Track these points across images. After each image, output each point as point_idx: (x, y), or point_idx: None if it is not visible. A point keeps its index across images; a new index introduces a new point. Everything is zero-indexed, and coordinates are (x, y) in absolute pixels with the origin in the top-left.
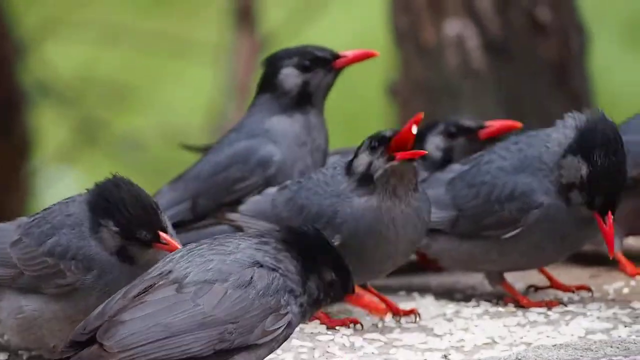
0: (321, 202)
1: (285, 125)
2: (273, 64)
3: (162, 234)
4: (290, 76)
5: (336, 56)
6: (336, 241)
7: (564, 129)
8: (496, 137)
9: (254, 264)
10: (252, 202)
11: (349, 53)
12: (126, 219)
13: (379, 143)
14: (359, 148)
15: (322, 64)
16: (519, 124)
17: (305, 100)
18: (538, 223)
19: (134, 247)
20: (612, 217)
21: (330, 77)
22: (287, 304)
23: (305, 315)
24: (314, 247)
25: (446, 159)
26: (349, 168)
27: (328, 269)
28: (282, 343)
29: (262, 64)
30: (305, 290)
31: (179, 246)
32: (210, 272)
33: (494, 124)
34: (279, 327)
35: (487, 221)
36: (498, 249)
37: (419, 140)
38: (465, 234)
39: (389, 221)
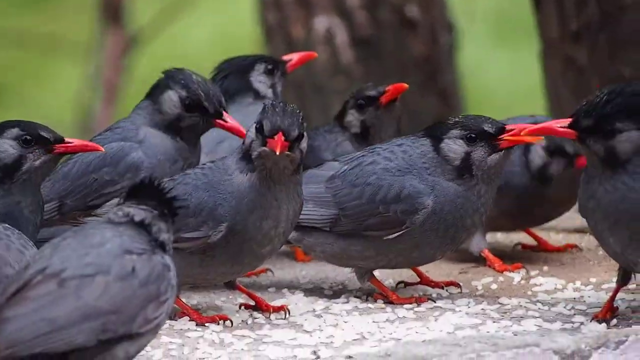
0: (200, 196)
1: (157, 139)
2: (164, 81)
3: None
4: (170, 101)
5: (218, 113)
6: (221, 232)
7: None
8: (395, 101)
9: (128, 252)
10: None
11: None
12: None
13: (258, 126)
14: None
15: (201, 110)
16: (404, 85)
17: (176, 130)
18: (422, 225)
19: None
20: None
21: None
22: (167, 291)
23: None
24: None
25: (365, 131)
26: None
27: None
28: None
29: (164, 72)
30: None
31: None
32: (90, 266)
33: (389, 89)
34: (160, 314)
35: (370, 221)
36: (375, 248)
37: (342, 113)
38: (344, 232)
39: (272, 198)
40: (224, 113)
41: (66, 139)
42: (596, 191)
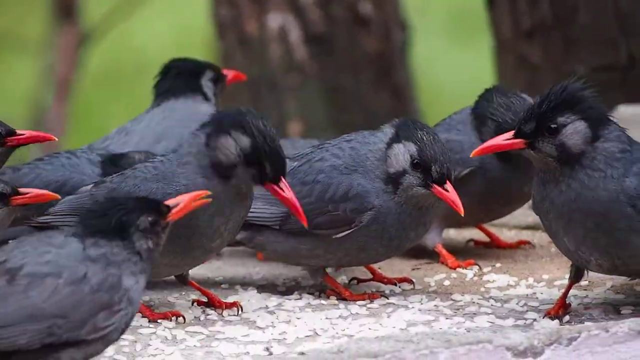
0: (149, 187)
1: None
2: None
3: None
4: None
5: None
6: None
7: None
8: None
9: (84, 258)
10: (67, 202)
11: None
12: None
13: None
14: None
15: None
16: None
17: None
18: (369, 224)
19: None
20: (450, 184)
21: None
22: (121, 301)
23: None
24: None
25: None
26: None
27: (142, 218)
28: (121, 333)
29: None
30: (138, 251)
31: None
32: (47, 265)
33: None
34: (112, 324)
35: (320, 220)
36: (325, 247)
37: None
38: (294, 231)
39: (227, 199)
40: None
41: (18, 131)
42: (550, 192)
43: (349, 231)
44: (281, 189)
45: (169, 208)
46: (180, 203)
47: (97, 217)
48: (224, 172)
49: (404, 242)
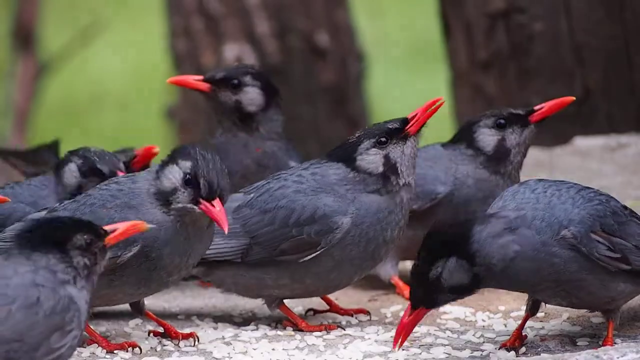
0: (111, 215)
1: None
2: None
3: None
4: (70, 172)
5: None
6: (132, 251)
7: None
8: (547, 119)
9: (36, 285)
10: (16, 229)
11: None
12: None
13: (191, 180)
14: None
15: None
16: (571, 99)
17: None
18: (337, 245)
19: None
20: (220, 202)
21: None
22: (72, 321)
23: (92, 279)
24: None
25: (500, 152)
26: (158, 172)
27: (78, 235)
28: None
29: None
30: (77, 267)
31: None
32: None
33: (545, 105)
34: (65, 344)
35: (284, 246)
36: (290, 274)
37: (468, 131)
38: (256, 261)
39: (186, 237)
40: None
41: None
42: None
43: (314, 254)
44: (213, 206)
45: (106, 232)
46: (119, 229)
47: (34, 231)
48: (165, 198)
49: (380, 247)
